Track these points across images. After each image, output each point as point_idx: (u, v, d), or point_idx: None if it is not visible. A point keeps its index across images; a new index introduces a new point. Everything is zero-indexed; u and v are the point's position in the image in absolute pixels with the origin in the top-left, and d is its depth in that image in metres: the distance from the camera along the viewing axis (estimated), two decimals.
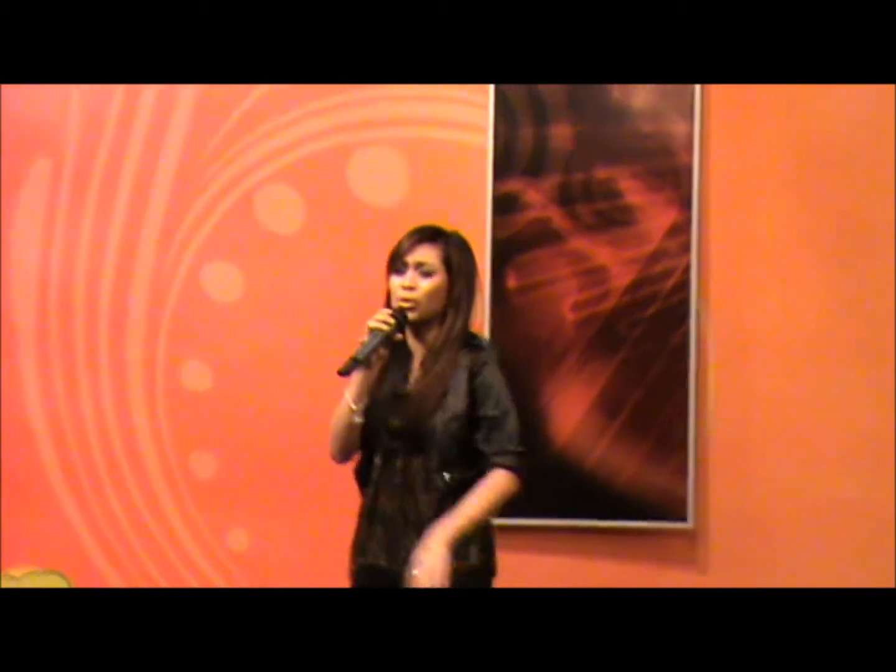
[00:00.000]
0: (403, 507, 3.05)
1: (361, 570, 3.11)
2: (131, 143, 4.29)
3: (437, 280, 3.09)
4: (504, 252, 4.10)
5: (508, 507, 3.97)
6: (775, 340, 4.06)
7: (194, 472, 4.27)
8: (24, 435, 4.27)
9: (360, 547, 3.12)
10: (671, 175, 4.07)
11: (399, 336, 3.09)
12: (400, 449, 3.07)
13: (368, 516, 3.11)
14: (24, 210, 4.33)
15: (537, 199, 4.10)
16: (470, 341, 3.13)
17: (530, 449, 3.94)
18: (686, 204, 4.05)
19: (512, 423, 3.07)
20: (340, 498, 4.17)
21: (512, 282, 4.11)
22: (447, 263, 3.10)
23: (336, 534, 4.17)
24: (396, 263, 3.13)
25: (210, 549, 4.25)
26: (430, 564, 2.92)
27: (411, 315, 3.09)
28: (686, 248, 4.05)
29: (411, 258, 3.11)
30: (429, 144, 4.19)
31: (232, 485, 4.25)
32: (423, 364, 3.12)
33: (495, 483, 3.03)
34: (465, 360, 3.08)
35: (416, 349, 3.14)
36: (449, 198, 4.18)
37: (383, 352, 3.08)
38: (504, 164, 4.11)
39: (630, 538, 4.06)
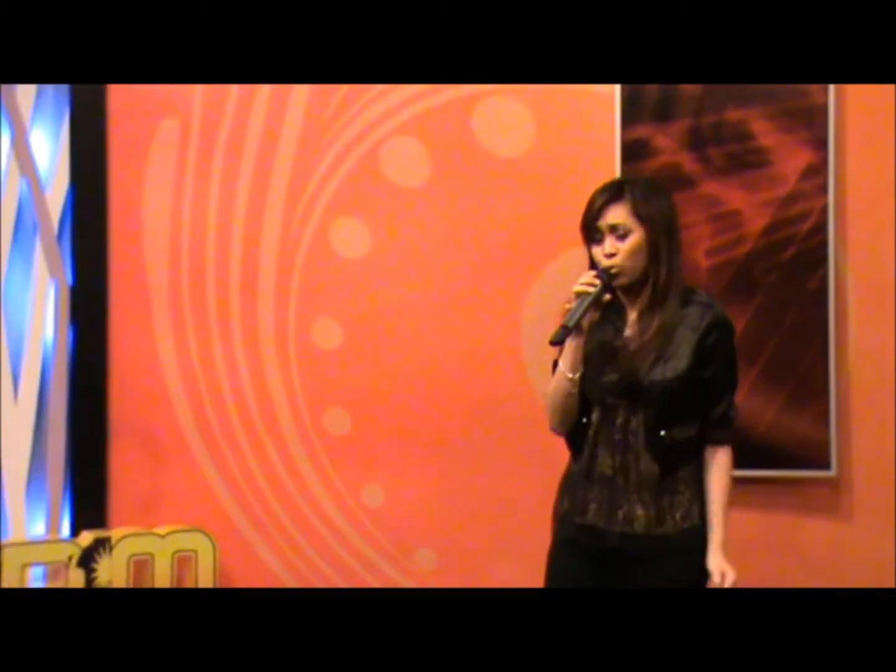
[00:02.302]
0: (625, 466, 2.98)
1: (580, 529, 3.03)
2: (256, 102, 4.29)
3: (635, 238, 2.98)
4: None
5: None
6: None
7: (328, 430, 4.28)
8: (161, 397, 4.32)
9: (578, 507, 3.03)
10: (805, 115, 3.95)
11: (608, 297, 2.99)
12: (618, 405, 2.99)
13: (587, 476, 3.02)
14: (153, 171, 4.35)
15: (667, 145, 4.02)
16: (692, 297, 3.03)
17: None
18: (821, 144, 3.93)
19: (734, 390, 3.04)
20: (473, 454, 4.19)
21: None
22: (639, 217, 2.99)
23: (470, 489, 4.19)
24: (591, 232, 3.03)
25: (346, 505, 4.27)
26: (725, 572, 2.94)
27: (619, 281, 3.00)
28: (822, 190, 3.93)
29: (604, 223, 3.00)
30: (555, 92, 4.10)
31: (366, 441, 4.25)
32: (639, 318, 3.02)
33: (727, 471, 3.02)
34: (691, 317, 3.00)
35: (630, 306, 3.05)
36: (576, 146, 4.11)
37: (593, 314, 2.99)
38: (632, 110, 4.03)
39: (772, 487, 3.98)
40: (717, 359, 3.00)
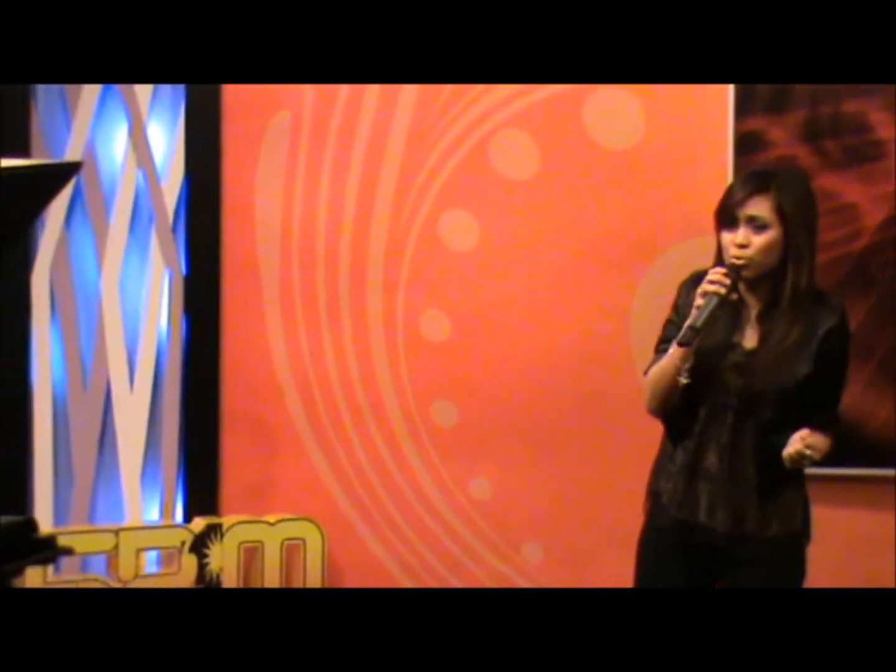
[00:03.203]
0: (732, 467, 2.95)
1: (675, 522, 3.02)
2: (367, 94, 4.30)
3: (772, 234, 2.92)
4: None
5: None
6: None
7: (436, 422, 4.29)
8: (272, 387, 4.36)
9: (676, 501, 3.01)
10: None
11: (734, 296, 2.95)
12: (732, 406, 2.96)
13: (690, 471, 3.00)
14: (266, 163, 4.38)
15: (781, 137, 3.95)
16: (821, 300, 2.99)
17: None
18: None
19: (841, 395, 3.01)
20: (581, 447, 4.17)
21: None
22: (781, 214, 2.91)
23: (577, 482, 4.17)
24: (727, 217, 2.97)
25: (453, 497, 4.28)
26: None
27: (745, 273, 2.94)
28: None
29: (742, 212, 2.93)
30: (666, 84, 4.06)
31: (473, 434, 4.25)
32: (760, 319, 2.98)
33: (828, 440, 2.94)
34: (820, 325, 2.96)
35: (751, 302, 3.00)
36: (688, 138, 4.06)
37: (718, 313, 2.94)
38: (745, 102, 3.97)
39: (884, 486, 3.90)
40: (831, 363, 2.95)
